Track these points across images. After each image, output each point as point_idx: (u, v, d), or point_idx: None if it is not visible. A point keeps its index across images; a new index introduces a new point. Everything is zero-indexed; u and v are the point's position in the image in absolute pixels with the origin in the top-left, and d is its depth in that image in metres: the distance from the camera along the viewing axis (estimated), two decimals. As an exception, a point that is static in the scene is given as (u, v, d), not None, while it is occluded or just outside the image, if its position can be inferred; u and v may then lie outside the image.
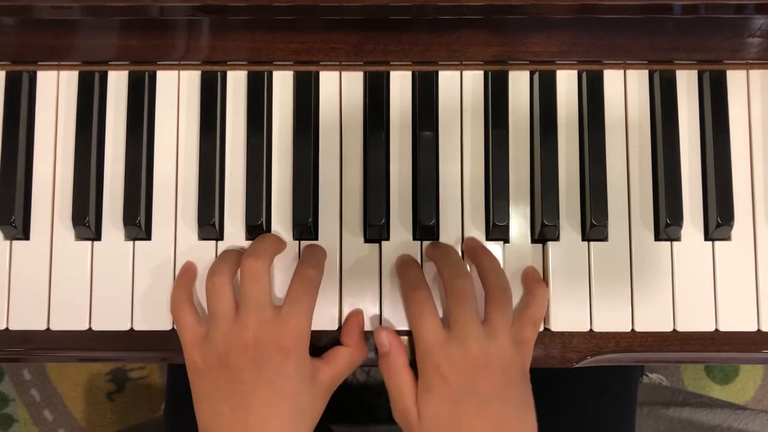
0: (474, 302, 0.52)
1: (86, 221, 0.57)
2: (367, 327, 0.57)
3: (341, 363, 0.54)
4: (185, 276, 0.56)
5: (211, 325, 0.53)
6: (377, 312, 0.57)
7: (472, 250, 0.56)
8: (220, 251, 0.58)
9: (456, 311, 0.52)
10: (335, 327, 0.57)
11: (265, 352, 0.51)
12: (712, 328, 0.57)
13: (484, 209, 0.58)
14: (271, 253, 0.55)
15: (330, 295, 0.57)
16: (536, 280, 0.56)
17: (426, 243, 0.57)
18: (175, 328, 0.55)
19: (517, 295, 0.57)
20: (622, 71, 0.59)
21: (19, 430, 1.31)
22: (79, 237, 0.58)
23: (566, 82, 0.59)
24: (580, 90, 0.59)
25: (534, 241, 0.58)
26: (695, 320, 0.57)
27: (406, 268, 0.56)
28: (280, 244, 0.56)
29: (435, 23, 0.57)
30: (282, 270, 0.57)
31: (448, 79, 0.59)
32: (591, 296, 0.57)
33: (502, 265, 0.57)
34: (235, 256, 0.55)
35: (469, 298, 0.52)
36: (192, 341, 0.53)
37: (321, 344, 0.56)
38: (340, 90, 0.59)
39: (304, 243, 0.58)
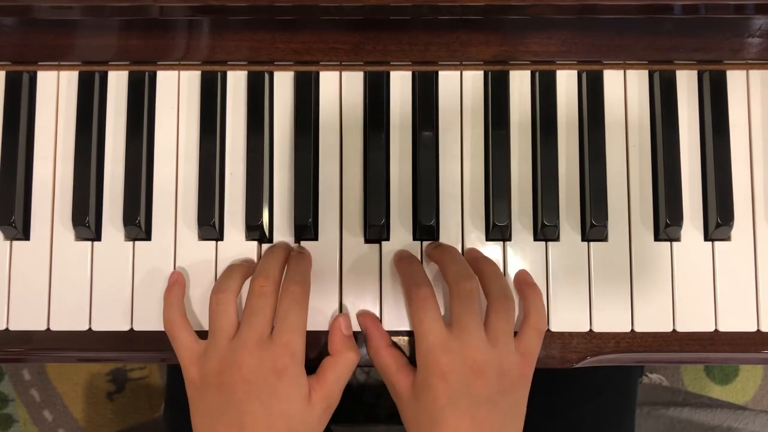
0: (479, 306, 0.52)
1: (86, 221, 0.57)
2: (367, 327, 0.57)
3: (329, 376, 0.53)
4: (174, 291, 0.55)
5: (210, 342, 0.52)
6: (377, 312, 0.57)
7: (475, 260, 0.56)
8: (220, 251, 0.58)
9: (460, 313, 0.52)
10: (335, 327, 0.57)
11: (259, 372, 0.50)
12: (711, 329, 0.57)
13: (484, 209, 0.58)
14: (281, 272, 0.54)
15: (330, 296, 0.57)
16: (527, 283, 0.56)
17: (426, 243, 0.57)
18: (172, 346, 0.54)
19: (518, 301, 0.57)
20: (622, 71, 0.59)
21: (19, 430, 1.31)
22: (79, 237, 0.58)
23: (566, 82, 0.59)
24: (580, 90, 0.59)
25: (535, 240, 0.58)
26: (695, 320, 0.57)
27: (407, 263, 0.56)
28: (287, 258, 0.56)
29: (435, 23, 0.57)
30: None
31: (448, 79, 0.59)
32: (591, 296, 0.57)
33: (502, 265, 0.57)
34: (241, 272, 0.55)
35: (474, 302, 0.52)
36: (190, 359, 0.53)
37: (322, 343, 0.56)
38: (340, 90, 0.59)
39: (304, 243, 0.58)
